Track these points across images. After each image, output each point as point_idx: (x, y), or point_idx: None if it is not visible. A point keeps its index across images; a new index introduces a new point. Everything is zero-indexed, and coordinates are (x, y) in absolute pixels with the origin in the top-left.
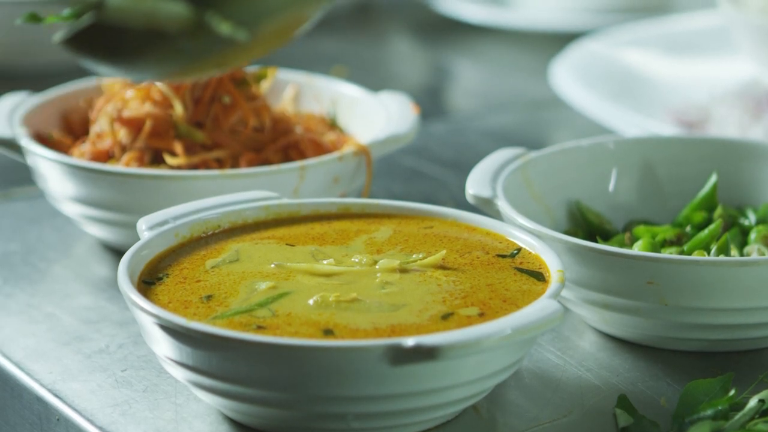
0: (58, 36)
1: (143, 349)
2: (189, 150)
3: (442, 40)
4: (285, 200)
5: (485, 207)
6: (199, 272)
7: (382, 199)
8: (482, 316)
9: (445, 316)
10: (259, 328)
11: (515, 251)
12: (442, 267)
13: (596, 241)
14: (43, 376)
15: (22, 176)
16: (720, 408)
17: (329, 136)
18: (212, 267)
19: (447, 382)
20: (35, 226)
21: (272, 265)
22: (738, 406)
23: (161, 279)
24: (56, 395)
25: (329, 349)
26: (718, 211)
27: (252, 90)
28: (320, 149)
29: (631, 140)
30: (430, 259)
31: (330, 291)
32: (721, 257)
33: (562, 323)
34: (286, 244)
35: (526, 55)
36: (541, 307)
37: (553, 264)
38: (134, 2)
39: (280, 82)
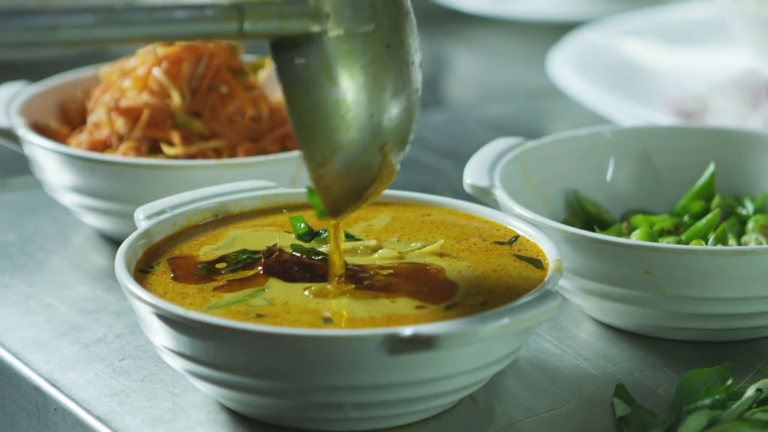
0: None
1: (141, 339)
2: (186, 140)
3: (439, 30)
4: (282, 189)
5: (483, 197)
6: None
7: None
8: (485, 305)
9: (449, 307)
10: (258, 317)
11: (513, 239)
12: (441, 255)
13: (594, 231)
14: (40, 366)
15: (20, 166)
16: (718, 397)
17: None
18: None
19: (444, 372)
20: (32, 216)
21: None
22: (736, 395)
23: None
24: (54, 385)
25: (327, 339)
26: (716, 200)
27: (249, 80)
28: None
29: (628, 130)
30: (429, 248)
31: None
32: (719, 247)
33: (559, 313)
34: (285, 232)
35: (523, 45)
36: (538, 296)
37: (550, 253)
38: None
39: None
